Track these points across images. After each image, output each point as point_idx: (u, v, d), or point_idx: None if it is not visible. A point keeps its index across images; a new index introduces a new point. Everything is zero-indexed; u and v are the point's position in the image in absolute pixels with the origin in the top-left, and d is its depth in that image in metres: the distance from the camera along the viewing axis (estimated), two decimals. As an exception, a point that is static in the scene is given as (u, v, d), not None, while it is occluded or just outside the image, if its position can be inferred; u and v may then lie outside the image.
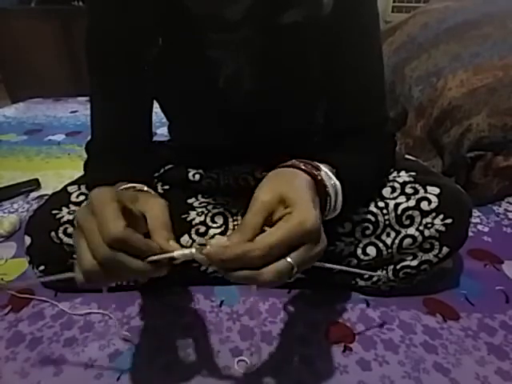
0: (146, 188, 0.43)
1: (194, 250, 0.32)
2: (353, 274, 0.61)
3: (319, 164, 0.42)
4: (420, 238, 0.55)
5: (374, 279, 0.60)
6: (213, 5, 0.46)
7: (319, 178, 0.39)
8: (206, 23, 0.48)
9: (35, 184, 1.04)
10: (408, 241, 0.56)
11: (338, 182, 0.41)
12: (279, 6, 0.46)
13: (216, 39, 0.49)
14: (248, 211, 0.34)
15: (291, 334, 0.56)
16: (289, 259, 0.31)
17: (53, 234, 0.58)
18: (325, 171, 0.41)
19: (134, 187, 0.43)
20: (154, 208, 0.36)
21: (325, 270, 0.58)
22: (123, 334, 0.55)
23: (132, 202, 0.36)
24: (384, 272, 0.59)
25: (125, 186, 0.42)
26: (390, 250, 0.57)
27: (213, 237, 0.58)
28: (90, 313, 0.60)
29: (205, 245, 0.32)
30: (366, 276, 0.61)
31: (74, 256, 0.60)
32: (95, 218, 0.31)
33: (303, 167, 0.39)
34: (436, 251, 0.56)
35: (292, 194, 0.34)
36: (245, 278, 0.31)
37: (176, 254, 0.33)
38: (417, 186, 0.56)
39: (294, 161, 0.41)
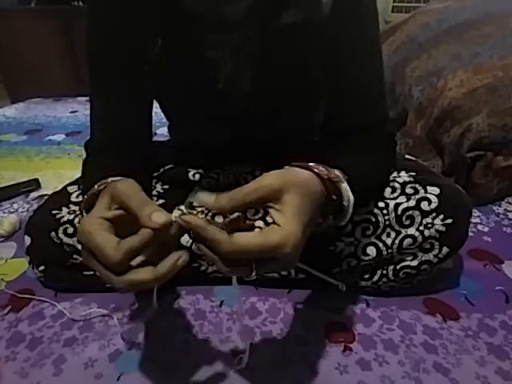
0: (111, 179, 0.41)
1: (176, 215, 0.33)
2: (351, 271, 0.61)
3: (340, 175, 0.40)
4: (420, 238, 0.55)
5: (375, 279, 0.60)
6: (212, 5, 0.46)
7: (335, 197, 0.38)
8: (205, 23, 0.48)
9: (35, 184, 1.04)
10: (408, 241, 0.56)
11: (352, 198, 0.41)
12: (278, 7, 0.46)
13: (215, 39, 0.49)
14: (247, 185, 0.34)
15: (291, 334, 0.56)
16: (254, 268, 0.32)
17: (53, 233, 0.58)
18: (345, 186, 0.40)
19: (105, 183, 0.41)
20: (126, 190, 0.35)
21: (325, 270, 0.58)
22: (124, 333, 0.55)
23: (109, 208, 0.35)
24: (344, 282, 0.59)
25: (95, 190, 0.41)
26: (390, 250, 0.57)
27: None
28: (90, 318, 0.60)
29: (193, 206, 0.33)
30: (366, 276, 0.61)
31: (74, 256, 0.60)
32: (91, 248, 0.32)
33: (325, 176, 0.38)
34: (436, 251, 0.56)
35: (291, 203, 0.33)
36: (207, 256, 0.33)
37: (156, 218, 0.32)
38: (417, 186, 0.56)
39: (317, 167, 0.39)
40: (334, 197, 0.39)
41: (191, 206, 0.35)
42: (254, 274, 0.32)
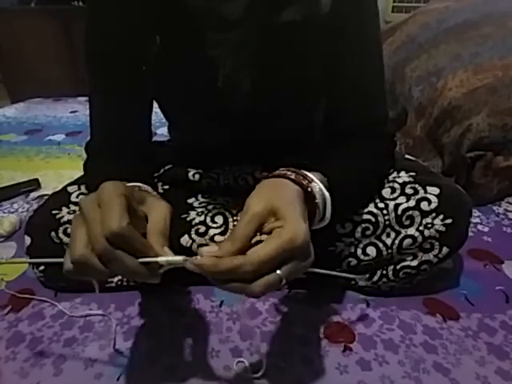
0: (150, 190, 0.44)
1: (185, 259, 0.32)
2: (351, 271, 0.61)
3: (311, 175, 0.41)
4: (420, 239, 0.55)
5: (375, 279, 0.60)
6: (211, 3, 0.46)
7: (309, 189, 0.39)
8: (204, 22, 0.48)
9: (35, 184, 1.04)
10: (408, 241, 0.56)
11: (328, 195, 0.41)
12: (277, 5, 0.46)
13: (215, 38, 0.49)
14: (239, 221, 0.34)
15: (291, 334, 0.56)
16: (279, 272, 0.32)
17: (53, 233, 0.58)
18: (316, 183, 0.41)
19: (140, 187, 0.43)
20: (158, 212, 0.37)
21: (325, 270, 0.58)
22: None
23: (139, 202, 0.37)
24: (368, 275, 0.60)
25: (131, 185, 0.42)
26: (389, 251, 0.57)
27: (212, 238, 0.58)
28: (89, 315, 0.60)
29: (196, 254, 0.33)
30: (366, 276, 0.61)
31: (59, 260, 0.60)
32: (100, 208, 0.32)
33: (294, 178, 0.39)
34: (436, 251, 0.55)
35: (283, 207, 0.34)
36: (234, 290, 0.32)
37: (167, 259, 0.33)
38: (417, 186, 0.56)
39: (285, 171, 0.41)
40: (309, 189, 0.39)
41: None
42: (283, 281, 0.32)
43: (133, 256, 0.32)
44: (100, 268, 0.31)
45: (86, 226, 0.32)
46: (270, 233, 0.33)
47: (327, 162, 0.48)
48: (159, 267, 0.34)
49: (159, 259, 0.33)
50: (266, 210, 0.34)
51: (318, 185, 0.40)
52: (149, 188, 0.44)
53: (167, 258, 0.33)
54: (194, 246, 0.58)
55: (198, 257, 0.32)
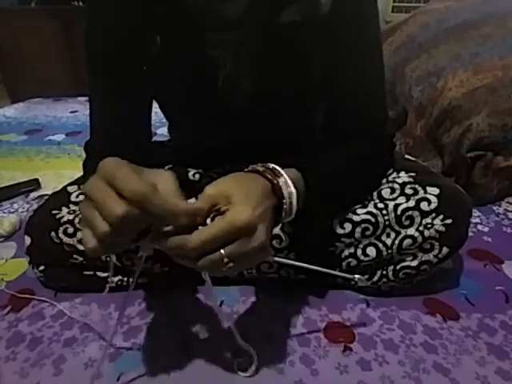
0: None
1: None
2: (351, 271, 0.61)
3: (280, 169, 0.42)
4: (420, 239, 0.55)
5: (375, 279, 0.60)
6: (211, 3, 0.46)
7: (275, 182, 0.40)
8: (204, 22, 0.48)
9: (35, 184, 1.04)
10: (408, 241, 0.56)
11: (294, 190, 0.42)
12: (277, 5, 0.46)
13: (215, 38, 0.49)
14: (196, 200, 0.36)
15: (291, 334, 0.56)
16: (222, 251, 0.34)
17: (53, 233, 0.58)
18: (284, 178, 0.41)
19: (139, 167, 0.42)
20: (165, 176, 0.36)
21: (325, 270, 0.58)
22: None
23: (139, 173, 0.35)
24: (367, 276, 0.60)
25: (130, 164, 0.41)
26: (389, 251, 0.57)
27: None
28: (86, 323, 0.59)
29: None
30: (366, 276, 0.61)
31: (74, 256, 0.60)
32: (109, 181, 0.31)
33: (261, 171, 0.41)
34: (436, 251, 0.55)
35: (238, 193, 0.36)
36: (183, 264, 0.35)
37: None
38: (416, 186, 0.56)
39: (255, 166, 0.43)
40: (275, 182, 0.41)
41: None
42: (225, 259, 0.34)
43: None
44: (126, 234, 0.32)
45: (98, 203, 0.31)
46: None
47: (313, 159, 0.49)
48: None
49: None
50: (220, 194, 0.36)
51: (286, 180, 0.41)
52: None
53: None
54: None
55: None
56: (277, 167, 0.42)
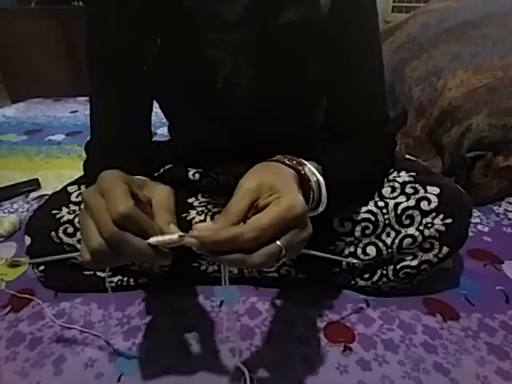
0: (148, 180, 0.44)
1: (181, 235, 0.32)
2: (351, 271, 0.61)
3: (304, 161, 0.42)
4: (420, 238, 0.55)
5: (375, 279, 0.60)
6: (211, 4, 0.46)
7: (303, 172, 0.40)
8: (204, 23, 0.48)
9: (35, 184, 1.04)
10: (408, 241, 0.56)
11: (321, 178, 0.42)
12: (277, 6, 0.46)
13: (214, 39, 0.49)
14: (232, 197, 0.34)
15: (291, 334, 0.56)
16: (278, 242, 0.32)
17: (53, 233, 0.58)
18: (309, 167, 0.41)
19: (140, 179, 0.43)
20: (161, 193, 0.37)
21: (325, 270, 0.58)
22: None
23: (139, 187, 0.37)
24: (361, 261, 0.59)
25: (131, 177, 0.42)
26: (389, 250, 0.57)
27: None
28: (83, 331, 0.59)
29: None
30: (366, 276, 0.61)
31: (75, 255, 0.60)
32: (104, 197, 0.32)
33: (287, 162, 0.40)
34: (436, 251, 0.55)
35: (279, 182, 0.35)
36: (234, 262, 0.32)
37: (157, 239, 0.32)
38: (417, 185, 0.56)
39: (278, 156, 0.42)
40: (302, 172, 0.40)
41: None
42: (283, 251, 0.32)
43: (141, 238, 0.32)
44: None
45: (92, 216, 0.32)
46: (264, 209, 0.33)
47: (323, 155, 0.49)
48: (168, 247, 0.34)
49: (151, 240, 0.32)
50: (260, 186, 0.34)
51: (311, 169, 0.41)
52: (147, 178, 0.44)
53: (157, 238, 0.32)
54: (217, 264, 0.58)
55: (195, 231, 0.32)
56: (301, 159, 0.42)
